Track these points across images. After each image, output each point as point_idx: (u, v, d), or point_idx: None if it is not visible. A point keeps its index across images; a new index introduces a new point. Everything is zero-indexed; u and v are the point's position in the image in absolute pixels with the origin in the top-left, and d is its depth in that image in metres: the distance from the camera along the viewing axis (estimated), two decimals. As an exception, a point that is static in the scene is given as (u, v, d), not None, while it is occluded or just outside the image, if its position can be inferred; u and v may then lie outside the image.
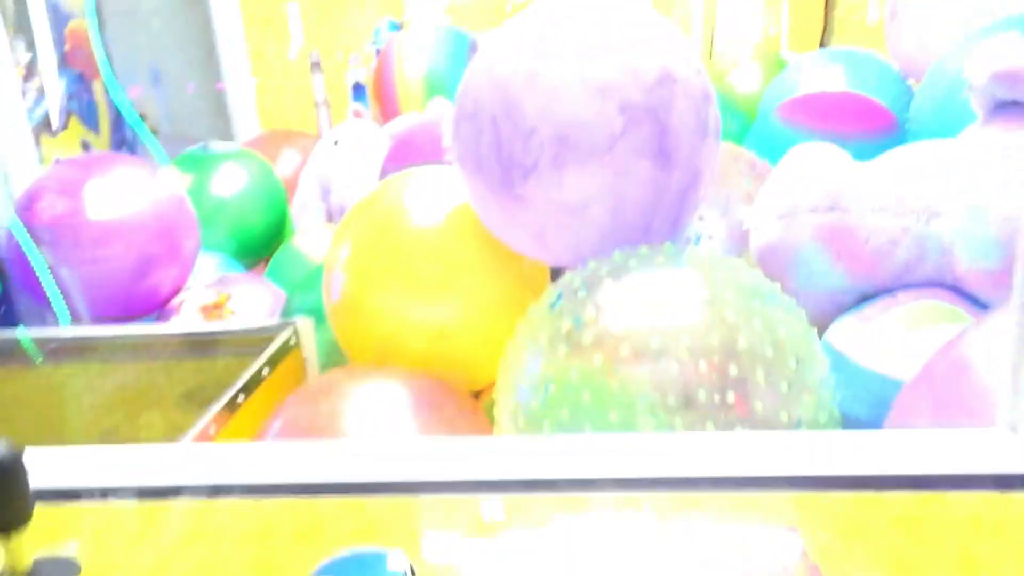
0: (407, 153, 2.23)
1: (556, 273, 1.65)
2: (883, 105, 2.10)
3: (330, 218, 2.72)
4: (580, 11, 1.22)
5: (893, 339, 1.17)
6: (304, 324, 1.66)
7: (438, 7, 3.59)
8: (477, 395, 1.59)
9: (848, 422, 1.15)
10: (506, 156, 1.20)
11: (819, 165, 1.32)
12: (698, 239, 1.50)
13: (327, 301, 1.56)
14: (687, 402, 0.99)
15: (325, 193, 2.73)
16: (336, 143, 3.04)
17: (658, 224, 1.25)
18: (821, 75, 2.43)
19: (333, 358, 1.68)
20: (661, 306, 1.05)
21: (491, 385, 1.58)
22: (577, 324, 1.08)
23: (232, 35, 3.82)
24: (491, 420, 1.36)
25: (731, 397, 0.99)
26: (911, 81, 2.44)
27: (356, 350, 1.55)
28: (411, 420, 1.24)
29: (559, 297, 1.14)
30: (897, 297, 1.23)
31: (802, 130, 2.10)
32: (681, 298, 1.05)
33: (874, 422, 1.16)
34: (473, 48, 3.24)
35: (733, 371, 1.00)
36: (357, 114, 3.30)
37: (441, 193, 1.52)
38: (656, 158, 1.17)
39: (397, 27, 3.56)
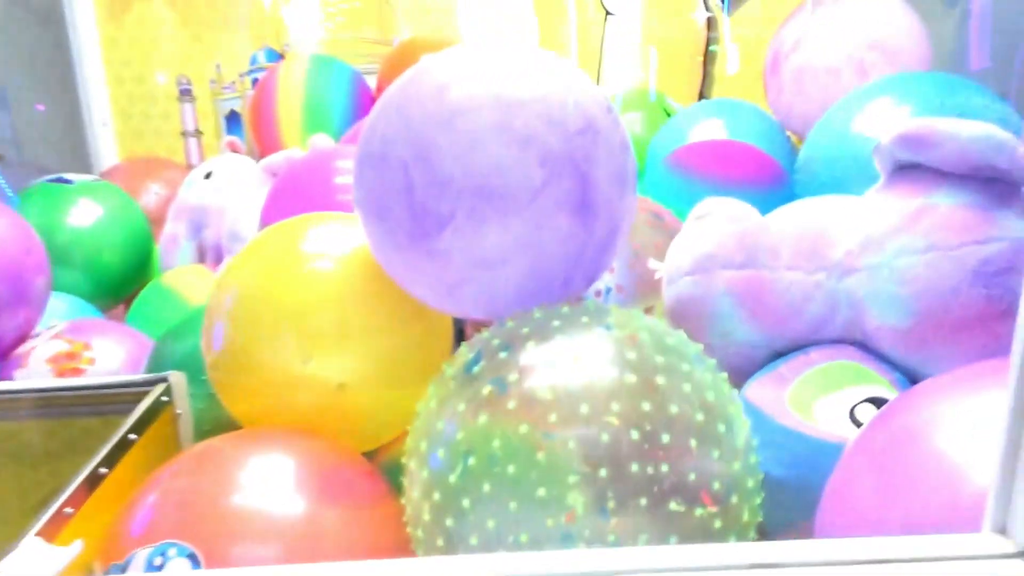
0: (290, 191, 2.09)
1: (458, 323, 1.57)
2: (770, 156, 2.17)
3: (202, 256, 2.52)
4: (499, 57, 1.15)
5: (810, 399, 1.16)
6: (177, 379, 1.49)
7: (317, 37, 3.47)
8: (372, 455, 1.48)
9: (768, 483, 1.13)
10: (419, 205, 1.11)
11: (730, 219, 1.31)
12: (608, 291, 1.47)
13: (207, 353, 1.41)
14: (619, 474, 0.92)
15: (196, 229, 2.53)
16: (209, 176, 2.85)
17: (576, 278, 1.19)
18: (706, 125, 2.50)
19: (211, 417, 1.52)
20: (589, 370, 0.98)
21: (390, 444, 1.47)
22: (500, 388, 1.00)
23: (90, 55, 3.52)
24: (394, 485, 1.26)
25: (664, 468, 0.93)
26: (789, 133, 2.55)
27: (240, 409, 1.40)
28: (308, 492, 1.12)
29: (477, 358, 1.06)
30: (810, 355, 1.23)
31: (693, 178, 2.14)
32: (610, 361, 0.99)
33: (793, 482, 1.15)
34: (356, 81, 3.14)
35: (665, 439, 0.95)
36: (232, 146, 3.11)
37: (338, 238, 1.41)
38: (577, 211, 1.12)
39: (276, 56, 3.40)
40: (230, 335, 1.36)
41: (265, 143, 3.07)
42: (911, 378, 1.21)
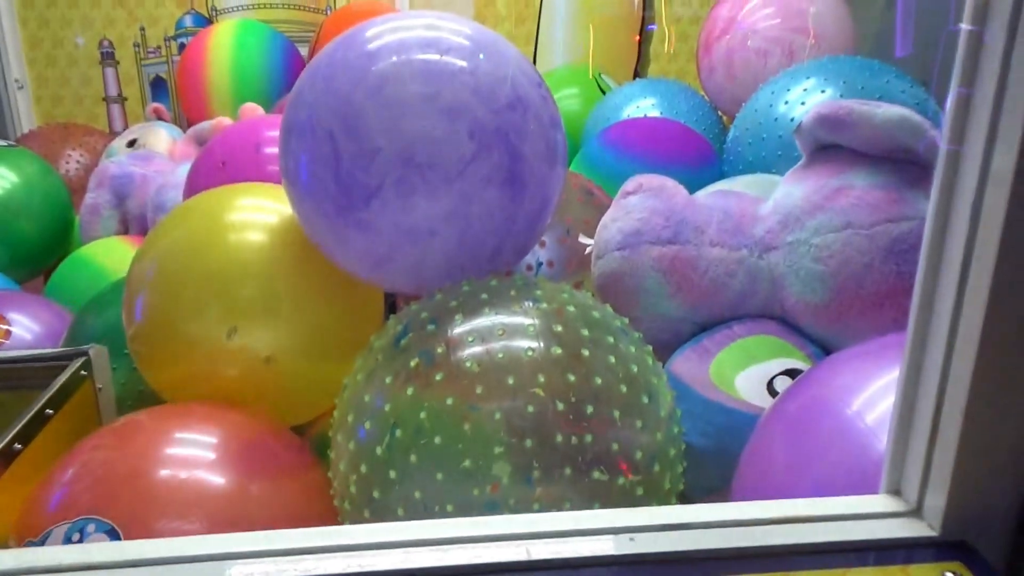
0: (218, 161, 2.04)
1: (389, 297, 1.56)
2: (700, 135, 2.21)
3: (126, 227, 2.44)
4: (429, 27, 1.14)
5: (733, 371, 1.20)
6: (97, 353, 1.45)
7: (247, 3, 3.36)
8: (303, 429, 1.46)
9: (691, 453, 1.16)
10: (346, 176, 1.10)
11: (657, 196, 1.34)
12: (539, 265, 1.48)
13: (128, 325, 1.37)
14: (544, 445, 0.94)
15: (119, 199, 2.44)
16: (132, 144, 2.75)
17: (505, 251, 1.20)
18: (640, 103, 2.53)
19: (133, 392, 1.48)
20: (516, 343, 0.99)
21: (319, 418, 1.46)
22: (427, 360, 1.00)
23: (3, 14, 3.34)
24: (323, 458, 1.25)
25: (588, 438, 0.95)
26: (720, 112, 2.60)
27: (162, 382, 1.37)
28: (232, 466, 1.10)
29: (405, 330, 1.06)
30: (733, 329, 1.26)
31: (626, 155, 2.16)
32: (536, 334, 1.00)
33: (714, 451, 1.18)
34: (287, 49, 3.07)
35: (590, 410, 0.97)
36: (157, 112, 3.01)
37: (265, 209, 1.39)
38: (506, 184, 1.12)
39: (204, 21, 3.29)
40: (152, 306, 1.32)
41: (192, 111, 2.97)
42: (828, 351, 1.26)
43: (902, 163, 1.24)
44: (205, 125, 2.69)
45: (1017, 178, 0.57)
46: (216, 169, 1.88)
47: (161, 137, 2.74)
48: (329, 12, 3.30)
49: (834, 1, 2.37)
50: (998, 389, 0.59)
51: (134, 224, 2.41)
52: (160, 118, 3.00)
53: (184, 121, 3.07)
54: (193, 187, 1.90)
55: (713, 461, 1.17)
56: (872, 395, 0.85)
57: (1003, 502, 0.60)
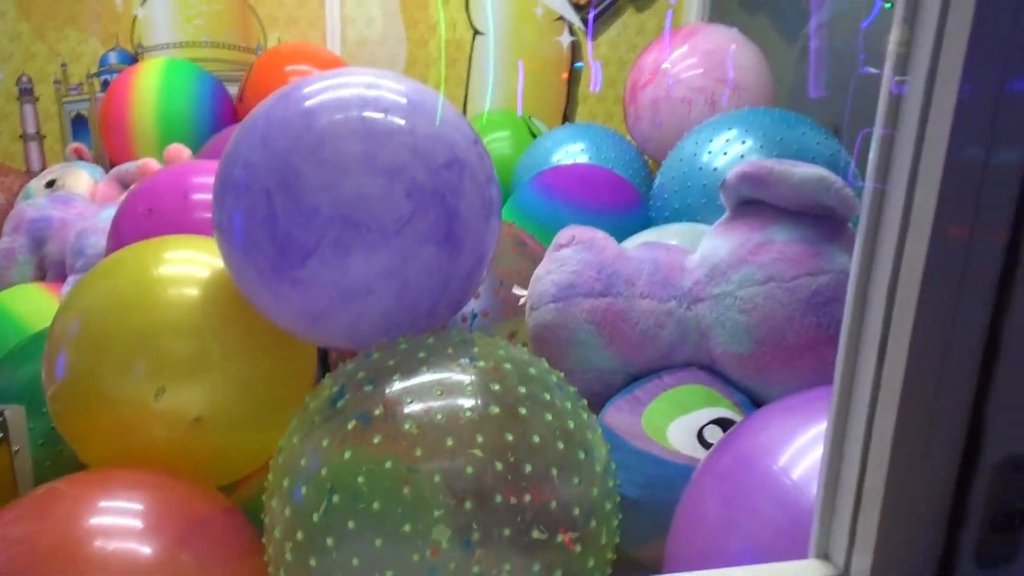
0: (144, 206, 1.99)
1: (322, 351, 1.54)
2: (628, 182, 2.27)
3: (43, 273, 2.35)
4: (366, 85, 1.15)
5: (664, 422, 1.23)
6: (14, 413, 1.38)
7: (175, 40, 3.31)
8: (229, 490, 1.43)
9: (625, 504, 1.18)
10: (283, 234, 1.09)
11: (590, 249, 1.37)
12: (474, 317, 1.49)
13: (49, 384, 1.32)
14: (484, 506, 0.94)
15: (37, 243, 2.35)
16: (51, 184, 2.66)
17: (442, 307, 1.21)
18: (570, 148, 2.59)
19: (51, 454, 1.42)
20: (454, 402, 1.00)
21: (245, 479, 1.42)
22: (365, 422, 1.00)
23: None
24: (252, 521, 1.22)
25: (527, 498, 0.96)
26: (646, 158, 2.68)
27: (85, 444, 1.32)
28: (162, 535, 1.07)
29: (342, 391, 1.05)
30: (664, 379, 1.30)
31: (557, 201, 2.20)
32: (474, 393, 1.01)
33: (648, 502, 1.21)
34: (215, 89, 3.03)
35: (528, 469, 0.98)
36: (78, 152, 2.92)
37: (196, 262, 1.36)
38: (443, 242, 1.14)
39: (129, 58, 3.22)
40: (75, 364, 1.28)
41: (116, 151, 2.90)
42: (754, 399, 1.30)
43: (820, 218, 1.31)
44: (129, 166, 2.62)
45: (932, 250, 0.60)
46: (142, 217, 1.84)
47: (82, 178, 2.65)
48: (260, 51, 3.27)
49: (753, 54, 2.49)
50: (916, 456, 0.62)
51: (52, 270, 2.32)
52: (81, 158, 2.91)
53: (106, 161, 2.98)
54: (118, 235, 1.85)
55: (647, 512, 1.19)
56: (797, 451, 0.89)
57: (924, 565, 0.63)
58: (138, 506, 1.08)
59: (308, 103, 1.15)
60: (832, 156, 1.88)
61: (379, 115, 1.13)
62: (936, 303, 0.62)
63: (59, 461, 1.40)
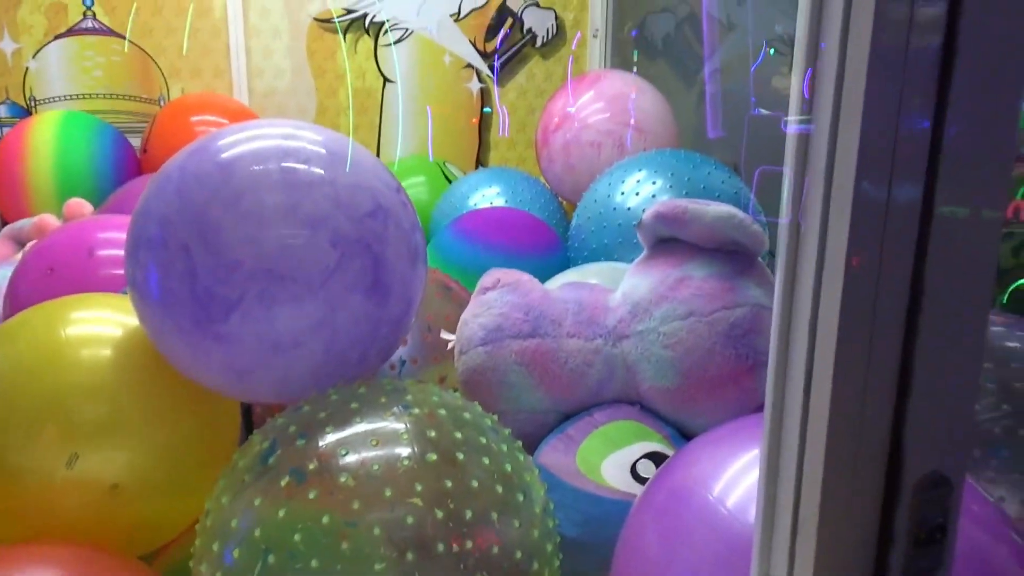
0: (44, 265, 1.90)
1: (247, 407, 1.50)
2: (546, 223, 2.31)
3: (-70, 339, 2.19)
4: (288, 139, 1.15)
5: (598, 459, 1.24)
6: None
7: (70, 92, 3.20)
8: (149, 559, 1.35)
9: (564, 543, 1.19)
10: (203, 289, 1.06)
11: (515, 291, 1.39)
12: (403, 363, 1.48)
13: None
14: (426, 556, 0.93)
15: (-78, 308, 2.20)
16: (-63, 245, 2.51)
17: (371, 356, 1.20)
18: (485, 191, 2.62)
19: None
20: (391, 452, 0.99)
21: (170, 544, 1.36)
22: (299, 478, 0.97)
23: None
24: (178, 589, 1.17)
25: (469, 544, 0.95)
26: (560, 199, 2.74)
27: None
28: (79, 611, 1.01)
29: (273, 447, 1.03)
30: (595, 416, 1.32)
31: (478, 244, 2.22)
32: (410, 441, 1.00)
33: (587, 540, 1.21)
34: (116, 141, 2.93)
35: (468, 515, 0.97)
36: (-33, 210, 2.76)
37: (106, 321, 1.31)
38: (371, 291, 1.13)
39: (21, 111, 3.09)
40: (-23, 435, 1.20)
41: (9, 207, 2.76)
42: (682, 432, 1.33)
43: (732, 254, 1.36)
44: (25, 223, 2.51)
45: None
46: (42, 276, 1.76)
47: (-28, 237, 2.51)
48: (163, 102, 3.20)
49: (656, 98, 2.60)
50: (846, 480, 0.65)
51: (-59, 335, 2.18)
52: (-31, 215, 2.75)
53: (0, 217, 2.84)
54: (16, 296, 1.75)
55: (586, 550, 1.20)
56: (729, 480, 0.92)
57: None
58: (53, 583, 1.01)
59: (225, 155, 1.13)
60: (736, 194, 1.97)
61: (300, 166, 1.13)
62: (854, 331, 0.66)
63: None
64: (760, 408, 0.76)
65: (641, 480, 1.21)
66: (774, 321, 0.72)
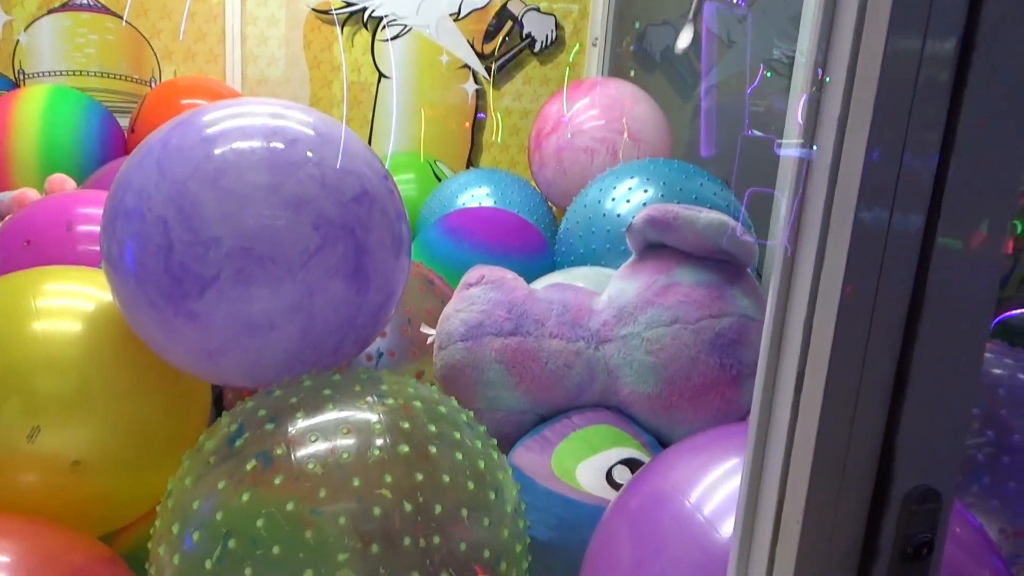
0: (21, 238, 1.86)
1: (215, 389, 1.47)
2: (534, 226, 2.30)
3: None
4: (275, 117, 1.12)
5: (573, 462, 1.22)
6: None
7: (61, 68, 3.15)
8: (110, 539, 1.32)
9: (534, 545, 1.16)
10: (178, 264, 1.03)
11: (499, 288, 1.36)
12: (380, 356, 1.45)
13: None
14: (392, 549, 0.90)
15: None
16: (-87, 213, 2.45)
17: (348, 344, 1.17)
18: (475, 191, 2.60)
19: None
20: (361, 441, 0.96)
21: (129, 526, 1.32)
22: (265, 462, 0.94)
23: None
24: (138, 571, 1.13)
25: (437, 540, 0.93)
26: (550, 204, 2.72)
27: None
28: (29, 590, 0.97)
29: (241, 430, 1.00)
30: (572, 419, 1.29)
31: (463, 243, 2.20)
32: (383, 431, 0.97)
33: (558, 544, 1.19)
34: (104, 120, 2.89)
35: (438, 510, 0.95)
36: (-54, 180, 2.71)
37: (77, 295, 1.28)
38: (351, 277, 1.10)
39: (9, 84, 3.04)
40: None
41: (-10, 180, 2.71)
42: (660, 440, 1.31)
43: (721, 263, 1.35)
44: (4, 196, 2.45)
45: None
46: (19, 248, 1.72)
47: (-50, 208, 2.46)
48: (154, 84, 3.15)
49: (652, 108, 2.59)
50: (832, 490, 0.64)
51: (-90, 304, 2.13)
52: (-51, 186, 2.70)
53: (-20, 190, 2.78)
54: (-9, 267, 1.71)
55: (556, 553, 1.17)
56: (707, 488, 0.90)
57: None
58: (7, 559, 0.98)
59: (209, 131, 1.10)
60: (727, 207, 1.95)
61: (286, 145, 1.10)
62: (848, 347, 0.64)
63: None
64: (742, 419, 0.74)
65: (616, 486, 1.19)
66: (765, 329, 0.70)
